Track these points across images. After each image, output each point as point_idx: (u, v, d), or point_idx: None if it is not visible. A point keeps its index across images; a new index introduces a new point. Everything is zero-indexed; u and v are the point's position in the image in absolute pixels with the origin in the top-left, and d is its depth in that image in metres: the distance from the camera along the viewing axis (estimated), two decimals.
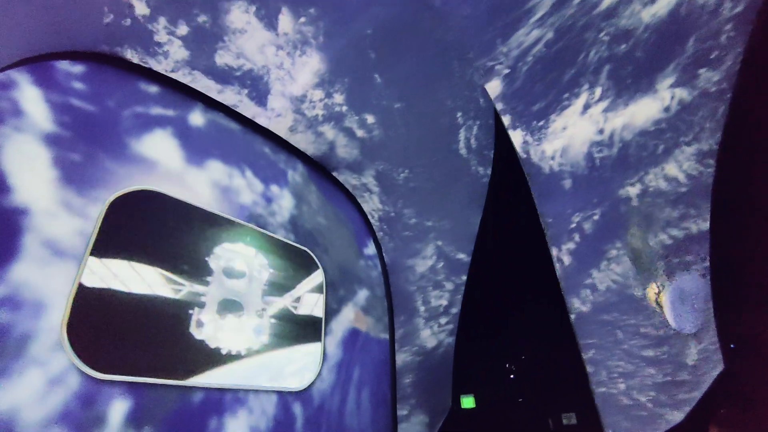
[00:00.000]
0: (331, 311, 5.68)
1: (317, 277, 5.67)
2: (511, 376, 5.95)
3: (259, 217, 5.16)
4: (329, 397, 5.12)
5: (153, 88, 4.52)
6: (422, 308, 6.64)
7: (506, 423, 5.64)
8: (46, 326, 2.99)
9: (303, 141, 6.07)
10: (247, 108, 5.35)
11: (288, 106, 5.45)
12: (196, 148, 4.71)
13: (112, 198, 3.66)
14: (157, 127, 4.42)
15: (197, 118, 4.87)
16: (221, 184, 4.81)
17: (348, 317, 5.98)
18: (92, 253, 3.41)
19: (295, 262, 5.46)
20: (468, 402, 5.91)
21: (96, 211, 3.57)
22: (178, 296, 3.96)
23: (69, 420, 2.90)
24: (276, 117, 5.59)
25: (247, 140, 5.45)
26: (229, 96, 5.13)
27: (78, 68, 3.96)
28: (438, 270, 6.83)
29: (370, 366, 6.03)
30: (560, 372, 5.55)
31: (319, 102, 5.48)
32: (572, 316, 5.46)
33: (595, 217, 5.33)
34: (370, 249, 7.11)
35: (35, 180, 3.30)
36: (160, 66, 4.58)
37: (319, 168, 6.53)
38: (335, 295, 5.89)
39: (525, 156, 5.35)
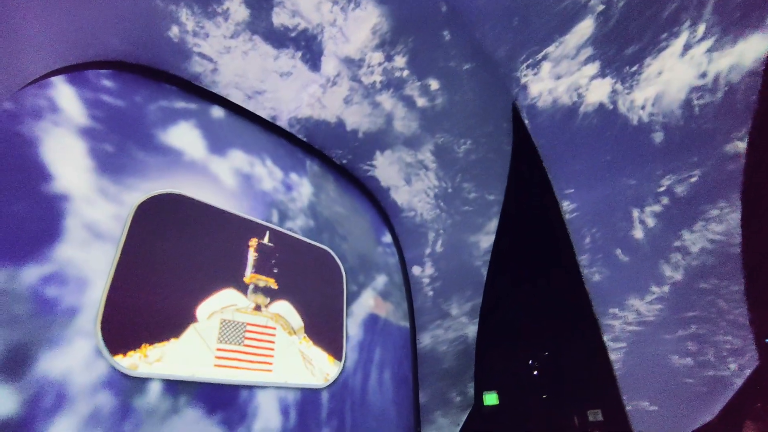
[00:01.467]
0: (351, 295, 5.84)
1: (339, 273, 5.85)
2: (535, 373, 5.76)
3: (280, 204, 5.35)
4: (352, 375, 5.28)
5: (175, 89, 4.77)
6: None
7: (530, 420, 5.44)
8: (90, 301, 3.23)
9: (358, 114, 5.69)
10: (301, 74, 5.04)
11: (344, 72, 5.09)
12: (218, 139, 4.93)
13: (139, 201, 3.85)
14: (181, 119, 4.66)
15: (217, 113, 5.10)
16: (243, 172, 5.02)
17: (368, 301, 6.13)
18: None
19: (317, 260, 5.63)
20: (491, 399, 5.80)
21: (130, 197, 3.82)
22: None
23: (113, 386, 3.15)
24: (331, 87, 5.27)
25: (265, 138, 5.64)
26: (283, 62, 4.87)
27: (107, 74, 4.22)
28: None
29: (391, 348, 6.16)
30: (585, 367, 5.24)
31: (377, 66, 5.08)
32: (666, 288, 4.81)
33: (693, 179, 4.55)
34: (387, 237, 7.24)
35: (74, 169, 3.55)
36: (219, 30, 4.46)
37: (336, 166, 6.70)
38: (355, 280, 6.05)
39: (611, 107, 4.74)
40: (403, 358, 6.34)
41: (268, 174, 5.39)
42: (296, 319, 4.93)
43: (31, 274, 3.02)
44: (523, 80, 5.05)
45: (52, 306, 3.04)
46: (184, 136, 4.59)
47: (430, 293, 6.90)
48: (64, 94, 3.77)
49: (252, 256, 4.72)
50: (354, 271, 6.10)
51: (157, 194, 4.03)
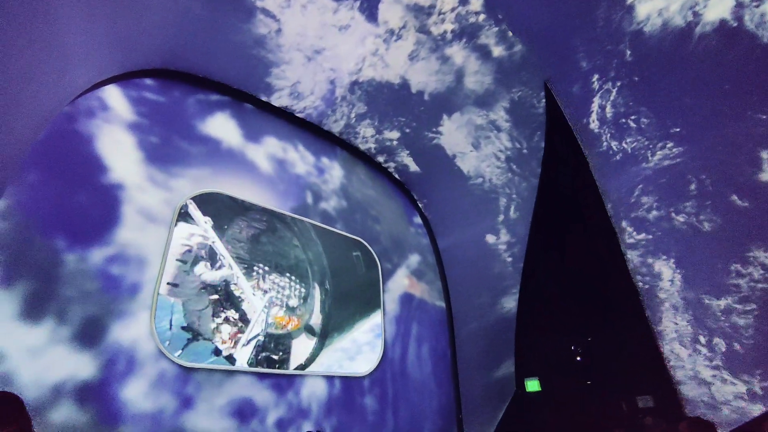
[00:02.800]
0: (386, 272, 5.99)
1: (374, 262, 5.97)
2: (578, 359, 5.53)
3: (313, 185, 5.53)
4: (391, 347, 5.44)
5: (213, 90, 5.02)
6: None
7: (574, 406, 5.21)
8: (149, 277, 3.55)
9: (424, 71, 5.21)
10: (359, 26, 4.67)
11: (410, 22, 4.62)
12: (252, 128, 5.16)
13: (183, 201, 4.09)
14: (218, 111, 4.91)
15: (249, 105, 5.34)
16: (277, 157, 5.24)
17: (402, 280, 6.24)
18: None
19: (352, 250, 5.75)
20: (533, 385, 5.65)
21: (176, 184, 4.11)
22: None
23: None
24: (395, 41, 4.82)
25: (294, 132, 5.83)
26: (342, 15, 4.57)
27: (150, 79, 4.52)
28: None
29: (428, 325, 6.27)
30: (632, 352, 4.97)
31: (450, 13, 4.52)
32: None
33: None
34: (418, 219, 7.27)
35: (125, 160, 3.86)
36: None
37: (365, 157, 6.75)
38: (389, 259, 6.20)
39: (735, 24, 3.91)
40: (440, 335, 6.43)
41: (300, 158, 5.58)
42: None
43: (97, 255, 3.35)
44: (629, 0, 4.24)
45: (118, 283, 3.37)
46: (221, 127, 4.84)
47: (509, 259, 6.36)
48: (111, 93, 4.07)
49: None
50: (387, 252, 6.23)
51: (202, 193, 4.30)
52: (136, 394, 3.18)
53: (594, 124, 5.10)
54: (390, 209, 6.81)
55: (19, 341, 2.83)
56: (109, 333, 3.19)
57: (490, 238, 6.63)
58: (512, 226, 6.36)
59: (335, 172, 6.07)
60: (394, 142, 6.47)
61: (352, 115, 5.94)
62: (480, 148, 6.16)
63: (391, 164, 6.90)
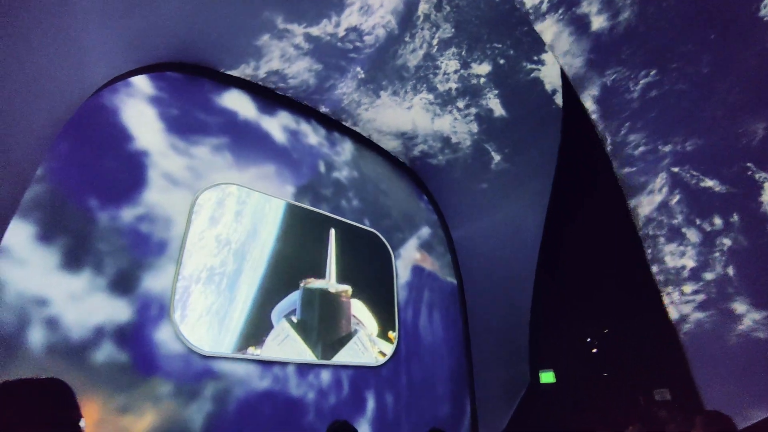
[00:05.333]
0: (397, 240, 6.16)
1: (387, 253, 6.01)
2: (594, 351, 5.36)
3: (326, 156, 5.70)
4: (403, 309, 5.62)
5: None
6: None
7: (590, 399, 5.12)
8: (175, 235, 3.78)
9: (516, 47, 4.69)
10: None
11: None
12: (266, 102, 5.34)
13: (199, 193, 4.22)
14: (233, 87, 5.10)
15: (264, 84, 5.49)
16: (290, 128, 5.42)
17: (413, 252, 6.39)
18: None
19: (367, 241, 5.80)
20: (547, 377, 5.56)
21: (196, 151, 4.34)
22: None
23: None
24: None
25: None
26: None
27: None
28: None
29: (438, 293, 6.42)
30: (650, 344, 4.82)
31: None
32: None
33: None
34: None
35: (148, 130, 4.10)
36: None
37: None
38: (400, 229, 6.36)
39: None
40: (451, 305, 6.56)
41: (312, 130, 5.75)
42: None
43: (128, 214, 3.60)
44: None
45: (147, 239, 3.62)
46: (237, 100, 5.04)
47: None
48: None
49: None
50: (398, 225, 6.37)
51: (217, 185, 4.42)
52: (168, 337, 3.43)
53: None
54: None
55: (61, 289, 3.10)
56: (140, 283, 3.45)
57: None
58: None
59: (347, 145, 6.21)
60: (482, 79, 5.42)
61: (434, 41, 4.99)
62: None
63: (473, 109, 5.80)
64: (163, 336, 3.42)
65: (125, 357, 3.18)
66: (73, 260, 3.21)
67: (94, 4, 2.97)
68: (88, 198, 3.45)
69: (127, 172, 3.76)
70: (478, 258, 6.82)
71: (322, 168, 5.59)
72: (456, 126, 6.06)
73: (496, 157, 6.20)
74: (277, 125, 5.30)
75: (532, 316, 5.87)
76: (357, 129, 6.32)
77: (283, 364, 4.16)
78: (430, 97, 5.71)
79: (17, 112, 2.60)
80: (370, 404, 4.72)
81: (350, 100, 5.73)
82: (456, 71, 5.32)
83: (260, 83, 5.21)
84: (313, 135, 5.74)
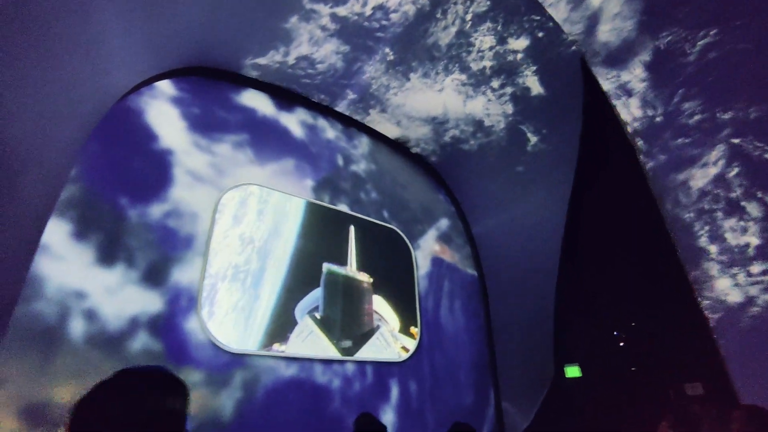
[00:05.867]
0: (417, 232, 6.18)
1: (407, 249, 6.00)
2: (621, 344, 5.11)
3: (344, 149, 5.76)
4: (424, 298, 5.64)
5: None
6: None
7: (618, 394, 4.93)
8: (201, 230, 3.91)
9: (557, 13, 4.41)
10: None
11: None
12: (283, 99, 5.44)
13: (222, 194, 4.31)
14: (251, 87, 5.21)
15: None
16: (308, 123, 5.50)
17: (432, 244, 6.39)
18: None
19: (386, 238, 5.82)
20: (573, 371, 5.38)
21: (218, 148, 4.46)
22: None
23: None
24: None
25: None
26: None
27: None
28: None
29: (459, 284, 6.41)
30: (679, 336, 4.60)
31: None
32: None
33: None
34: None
35: (172, 129, 4.24)
36: None
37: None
38: (419, 222, 6.39)
39: None
40: (473, 295, 6.53)
41: (330, 125, 5.82)
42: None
43: (156, 210, 3.75)
44: None
45: (175, 234, 3.76)
46: (255, 98, 5.15)
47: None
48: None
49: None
50: (416, 217, 6.39)
51: (239, 186, 4.50)
52: (198, 327, 3.56)
53: None
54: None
55: (97, 283, 3.25)
56: (170, 275, 3.59)
57: None
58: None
59: (363, 138, 6.26)
60: (519, 56, 5.07)
61: (468, 16, 4.68)
62: None
63: (508, 89, 5.45)
64: (193, 326, 3.56)
65: (159, 346, 3.32)
66: (107, 255, 3.37)
67: (115, 14, 3.09)
68: (119, 196, 3.61)
69: (153, 170, 3.91)
70: (499, 250, 6.74)
71: (340, 161, 5.66)
72: (489, 108, 5.76)
73: (533, 139, 5.85)
74: (295, 121, 5.39)
75: (556, 309, 5.74)
76: (386, 115, 6.08)
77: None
78: (463, 77, 5.44)
79: (50, 118, 2.74)
80: (394, 392, 4.77)
81: (379, 84, 5.52)
82: (491, 48, 5.01)
83: (289, 71, 5.10)
84: (330, 129, 5.81)
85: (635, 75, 4.58)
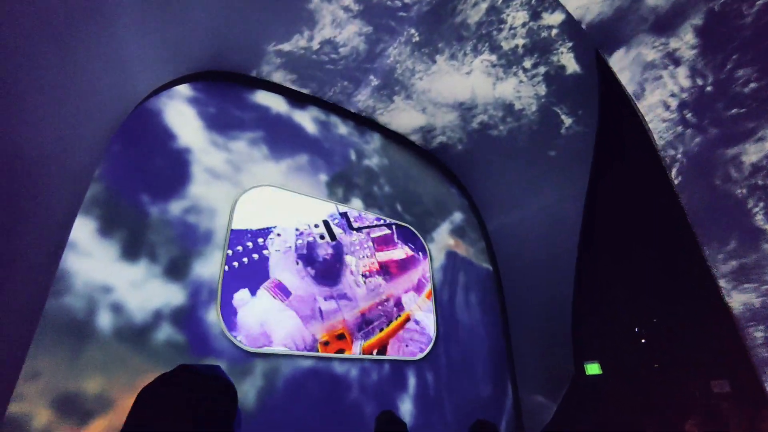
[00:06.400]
0: (430, 225, 6.20)
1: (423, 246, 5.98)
2: (642, 341, 4.95)
3: (356, 144, 5.79)
4: (439, 291, 5.65)
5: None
6: None
7: (640, 392, 4.79)
8: (220, 225, 4.00)
9: None
10: None
11: None
12: (296, 98, 5.50)
13: (239, 196, 4.38)
14: (264, 87, 5.29)
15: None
16: (320, 120, 5.56)
17: (446, 237, 6.39)
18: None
19: (402, 235, 5.82)
20: (593, 368, 5.24)
21: (234, 145, 4.55)
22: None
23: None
24: None
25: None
26: None
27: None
28: None
29: (474, 277, 6.38)
30: (704, 331, 4.43)
31: None
32: None
33: None
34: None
35: (189, 128, 4.34)
36: None
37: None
38: (432, 214, 6.38)
39: None
40: (487, 289, 6.50)
41: (342, 121, 5.86)
42: None
43: (176, 207, 3.85)
44: None
45: (195, 229, 3.87)
46: (269, 97, 5.23)
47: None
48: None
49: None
50: (429, 210, 6.40)
51: (255, 187, 4.56)
52: (217, 319, 3.66)
53: None
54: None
55: (122, 277, 3.37)
56: (191, 269, 3.69)
57: None
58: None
59: (376, 134, 6.28)
60: (554, 31, 4.78)
61: None
62: (642, 97, 4.76)
63: (541, 69, 5.17)
64: (214, 318, 3.65)
65: (182, 338, 3.43)
66: (130, 251, 3.48)
67: (134, 23, 3.19)
68: (140, 194, 3.72)
69: (173, 168, 4.02)
70: (514, 244, 6.65)
71: (353, 156, 5.70)
72: (521, 90, 5.47)
73: (567, 120, 5.48)
74: (308, 118, 5.46)
75: (574, 305, 5.59)
76: (410, 102, 5.86)
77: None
78: (493, 58, 5.14)
79: (75, 123, 2.84)
80: (411, 382, 4.81)
81: (404, 68, 5.31)
82: (524, 24, 4.74)
83: (314, 57, 4.98)
84: (342, 126, 5.85)
85: (685, 41, 4.25)
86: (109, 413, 2.99)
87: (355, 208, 5.35)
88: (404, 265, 5.52)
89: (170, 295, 3.51)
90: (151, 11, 3.42)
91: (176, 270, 3.62)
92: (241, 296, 3.93)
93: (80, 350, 3.02)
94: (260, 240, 4.32)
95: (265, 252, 4.30)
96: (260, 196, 4.53)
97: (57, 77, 2.44)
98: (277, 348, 3.95)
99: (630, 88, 4.70)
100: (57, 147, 2.66)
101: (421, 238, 5.93)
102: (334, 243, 4.93)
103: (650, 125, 4.74)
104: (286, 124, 5.19)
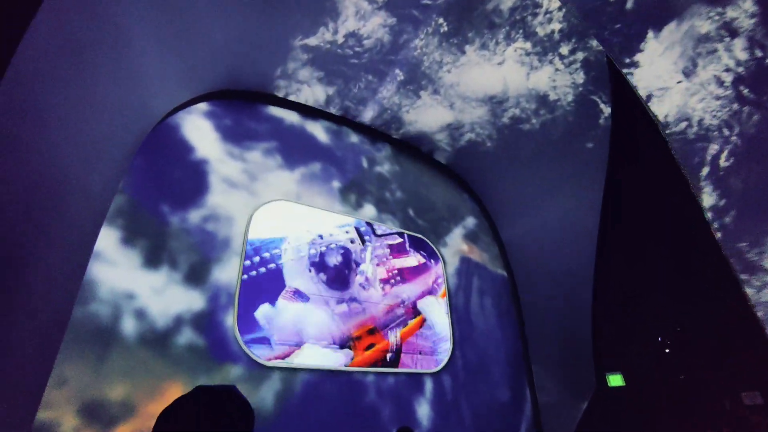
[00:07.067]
0: (442, 229, 6.22)
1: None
2: (666, 351, 4.75)
3: (368, 152, 5.89)
4: (454, 296, 5.65)
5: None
6: None
7: (667, 404, 4.59)
8: (237, 232, 4.10)
9: None
10: None
11: None
12: (309, 110, 5.65)
13: (254, 210, 4.47)
14: (277, 102, 5.46)
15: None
16: (332, 129, 5.69)
17: (460, 242, 6.38)
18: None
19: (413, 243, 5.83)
20: (616, 380, 5.08)
21: (250, 155, 4.68)
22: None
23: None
24: None
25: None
26: None
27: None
28: None
29: (489, 281, 6.34)
30: (732, 340, 4.22)
31: None
32: None
33: None
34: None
35: (206, 141, 4.49)
36: None
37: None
38: (445, 218, 6.39)
39: None
40: (503, 294, 6.45)
41: (353, 130, 5.98)
42: None
43: (195, 215, 3.97)
44: None
45: (213, 236, 3.97)
46: (282, 110, 5.38)
47: (718, 234, 4.52)
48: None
49: None
50: (442, 216, 6.41)
51: (270, 202, 4.65)
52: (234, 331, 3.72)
53: None
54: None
55: (145, 284, 3.47)
56: (210, 275, 3.78)
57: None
58: (722, 180, 4.59)
59: (386, 143, 6.37)
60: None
61: None
62: (694, 74, 4.35)
63: (579, 55, 4.80)
64: (232, 323, 3.71)
65: (202, 342, 3.49)
66: (152, 258, 3.59)
67: (153, 47, 3.35)
68: (161, 204, 3.85)
69: (191, 179, 4.15)
70: (529, 251, 6.56)
71: (365, 164, 5.79)
72: (556, 79, 5.06)
73: (607, 110, 5.08)
74: (320, 128, 5.59)
75: (594, 312, 5.39)
76: (438, 97, 5.56)
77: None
78: (527, 45, 4.77)
79: (100, 141, 2.99)
80: (428, 385, 4.77)
81: (431, 61, 5.00)
82: (560, 7, 4.42)
83: (339, 51, 4.84)
84: (354, 135, 5.96)
85: (744, 9, 3.93)
86: (132, 419, 3.04)
87: (367, 217, 5.42)
88: (417, 271, 5.55)
89: (190, 300, 3.60)
90: (170, 36, 3.60)
91: (196, 276, 3.71)
92: (264, 311, 4.00)
93: (105, 357, 3.11)
94: (275, 250, 4.40)
95: (279, 261, 4.38)
96: (276, 208, 4.63)
97: (82, 98, 2.58)
98: (292, 362, 3.98)
99: (679, 66, 4.34)
100: (82, 164, 2.80)
101: (433, 246, 5.94)
102: (361, 248, 5.07)
103: (702, 104, 4.46)
104: (299, 134, 5.32)
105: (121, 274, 3.40)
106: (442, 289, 5.62)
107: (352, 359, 4.36)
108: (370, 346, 4.54)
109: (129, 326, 3.27)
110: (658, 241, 5.00)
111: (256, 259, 4.18)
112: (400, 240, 5.54)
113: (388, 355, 4.65)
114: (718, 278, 4.39)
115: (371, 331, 4.65)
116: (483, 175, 6.86)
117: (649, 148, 4.95)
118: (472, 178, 7.05)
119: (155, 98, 3.84)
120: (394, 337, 4.82)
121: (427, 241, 5.94)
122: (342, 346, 4.35)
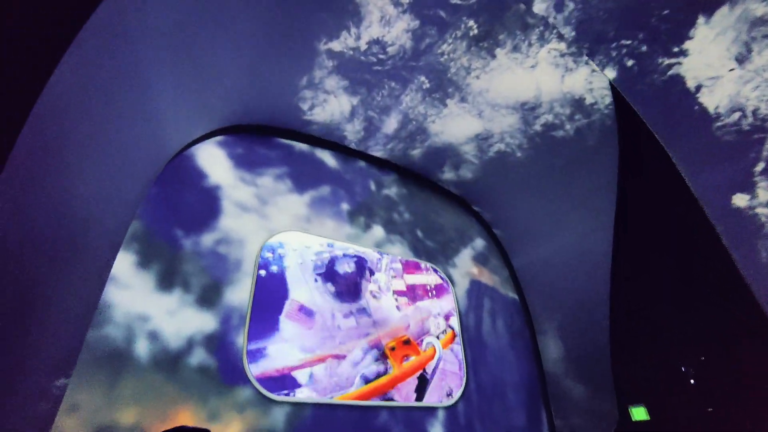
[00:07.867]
0: (450, 251, 6.25)
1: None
2: (691, 381, 4.45)
3: (375, 175, 6.01)
4: (464, 316, 5.59)
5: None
6: None
7: None
8: (249, 254, 4.21)
9: None
10: None
11: None
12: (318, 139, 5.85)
13: (263, 242, 4.55)
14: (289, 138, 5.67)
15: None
16: (341, 156, 5.86)
17: (468, 264, 6.38)
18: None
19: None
20: (639, 413, 4.81)
21: (261, 180, 4.85)
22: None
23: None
24: None
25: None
26: None
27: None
28: None
29: (501, 303, 6.29)
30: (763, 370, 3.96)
31: None
32: None
33: None
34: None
35: (219, 167, 4.67)
36: None
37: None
38: (453, 240, 6.42)
39: None
40: (515, 315, 6.37)
41: (362, 160, 6.15)
42: None
43: (208, 239, 4.10)
44: None
45: (225, 259, 4.08)
46: (293, 136, 5.58)
47: None
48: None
49: None
50: (451, 237, 6.46)
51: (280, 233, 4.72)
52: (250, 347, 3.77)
53: None
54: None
55: (159, 306, 3.56)
56: (222, 297, 3.86)
57: (740, 200, 4.26)
58: None
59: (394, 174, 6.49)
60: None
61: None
62: (748, 60, 3.97)
63: (621, 49, 4.48)
64: (243, 344, 3.77)
65: (214, 363, 3.54)
66: (166, 281, 3.70)
67: (168, 84, 3.56)
68: (174, 229, 3.99)
69: (204, 204, 4.31)
70: (543, 274, 6.38)
71: (372, 187, 5.91)
72: (593, 81, 4.72)
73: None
74: (329, 154, 5.75)
75: (613, 339, 5.17)
76: (466, 106, 5.26)
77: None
78: (562, 46, 4.47)
79: (117, 174, 3.15)
80: (441, 411, 4.70)
81: (458, 66, 4.77)
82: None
83: (362, 59, 4.68)
84: (362, 160, 6.11)
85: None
86: None
87: (376, 238, 5.51)
88: (440, 289, 5.74)
89: (202, 322, 3.67)
90: (187, 76, 3.84)
91: (208, 298, 3.79)
92: (275, 335, 4.07)
93: (117, 381, 3.14)
94: (275, 267, 4.50)
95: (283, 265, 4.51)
96: (286, 238, 4.75)
97: (103, 136, 2.75)
98: (299, 397, 3.93)
99: (732, 52, 3.96)
100: (101, 198, 2.95)
101: (441, 271, 5.94)
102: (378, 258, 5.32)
103: (757, 92, 4.03)
104: (309, 159, 5.49)
105: (135, 297, 3.50)
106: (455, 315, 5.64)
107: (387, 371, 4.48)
108: (406, 357, 4.61)
109: (142, 348, 3.34)
110: (680, 268, 4.74)
111: (263, 272, 4.29)
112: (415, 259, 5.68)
113: (428, 368, 4.77)
114: (742, 302, 4.08)
115: (406, 342, 4.76)
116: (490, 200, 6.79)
117: (655, 165, 4.84)
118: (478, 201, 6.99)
119: (170, 135, 4.05)
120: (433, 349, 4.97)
121: (435, 267, 5.96)
122: (377, 358, 4.48)
